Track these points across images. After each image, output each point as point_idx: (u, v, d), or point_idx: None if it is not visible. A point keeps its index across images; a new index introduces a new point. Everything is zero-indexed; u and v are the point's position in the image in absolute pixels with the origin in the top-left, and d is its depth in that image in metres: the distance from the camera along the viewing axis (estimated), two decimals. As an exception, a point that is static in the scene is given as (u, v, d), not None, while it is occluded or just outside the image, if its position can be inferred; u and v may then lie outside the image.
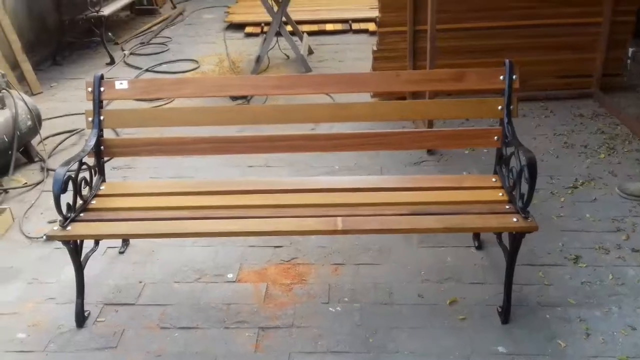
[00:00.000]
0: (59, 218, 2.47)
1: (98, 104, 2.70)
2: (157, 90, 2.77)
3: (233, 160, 3.88)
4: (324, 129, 4.09)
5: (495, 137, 2.65)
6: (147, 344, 2.51)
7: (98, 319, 2.66)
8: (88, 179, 2.66)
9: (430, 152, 3.89)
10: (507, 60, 2.61)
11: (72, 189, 2.50)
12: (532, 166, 2.26)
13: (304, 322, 2.59)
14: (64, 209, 2.45)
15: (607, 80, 4.54)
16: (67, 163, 2.44)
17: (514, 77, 2.59)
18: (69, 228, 2.43)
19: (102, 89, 2.70)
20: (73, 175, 2.48)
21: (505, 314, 2.53)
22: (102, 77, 2.72)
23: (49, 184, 3.79)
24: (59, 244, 3.15)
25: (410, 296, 2.71)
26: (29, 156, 4.07)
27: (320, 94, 2.88)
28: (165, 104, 4.75)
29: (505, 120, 2.60)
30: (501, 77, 2.61)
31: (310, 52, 5.89)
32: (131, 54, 6.24)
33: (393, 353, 2.41)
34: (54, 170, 3.90)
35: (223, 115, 2.85)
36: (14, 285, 2.89)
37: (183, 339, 2.53)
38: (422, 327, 2.53)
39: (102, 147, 2.73)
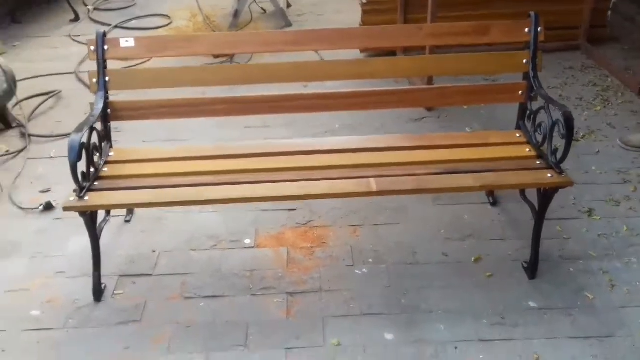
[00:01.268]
0: (74, 188, 2.30)
1: (103, 64, 2.50)
2: (166, 47, 2.58)
3: (229, 122, 3.71)
4: (314, 87, 3.99)
5: (520, 92, 2.62)
6: (173, 315, 2.42)
7: (116, 292, 2.54)
8: (98, 145, 2.49)
9: (429, 109, 3.85)
10: (532, 13, 2.56)
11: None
12: (569, 120, 2.25)
13: (332, 285, 2.55)
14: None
15: (594, 32, 4.57)
16: (80, 129, 2.27)
17: (539, 29, 2.55)
18: (86, 198, 2.27)
19: (106, 47, 2.50)
20: (85, 142, 2.30)
21: (532, 270, 2.56)
22: (104, 34, 2.52)
23: (33, 151, 3.57)
24: (59, 215, 3.00)
25: (435, 255, 2.70)
26: (5, 122, 3.80)
27: (339, 49, 2.74)
28: (138, 64, 4.48)
29: (531, 74, 2.57)
30: (526, 30, 2.57)
31: (288, 5, 5.68)
32: (95, 9, 5.86)
33: (427, 313, 2.41)
34: (36, 136, 3.70)
35: (234, 73, 2.73)
36: (18, 261, 2.72)
37: (210, 308, 2.45)
38: (451, 286, 2.53)
39: (108, 111, 2.55)
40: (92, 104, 2.54)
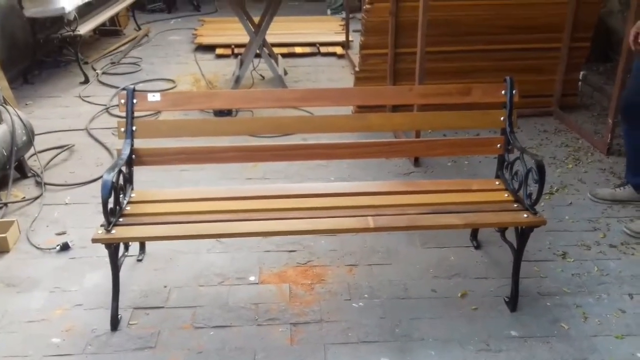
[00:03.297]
0: (102, 222, 2.55)
1: (131, 115, 2.81)
2: (188, 102, 2.92)
3: (230, 173, 4.03)
4: (313, 139, 4.34)
5: (498, 145, 2.96)
6: (185, 343, 2.62)
7: (130, 322, 2.74)
8: (123, 186, 2.76)
9: (416, 164, 4.19)
10: (508, 78, 2.93)
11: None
12: (541, 168, 2.58)
13: (331, 316, 2.78)
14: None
15: (565, 100, 5.02)
16: (111, 170, 2.55)
17: (514, 91, 2.92)
18: (113, 231, 2.53)
19: (135, 100, 2.82)
20: (114, 182, 2.58)
21: (513, 303, 2.81)
22: (134, 89, 2.84)
23: (48, 197, 3.82)
24: (74, 254, 3.22)
25: (424, 291, 2.95)
26: (22, 171, 4.06)
27: (338, 106, 3.09)
28: (148, 115, 4.78)
29: (508, 129, 2.92)
30: (502, 92, 2.94)
31: (285, 73, 6.12)
32: (104, 73, 6.26)
33: (419, 340, 2.64)
34: (51, 184, 3.96)
35: (245, 126, 3.04)
36: (37, 294, 2.92)
37: (219, 336, 2.66)
38: (440, 317, 2.77)
39: (133, 156, 2.84)
40: (119, 150, 2.83)
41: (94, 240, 2.50)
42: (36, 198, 3.80)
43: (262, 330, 2.70)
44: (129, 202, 2.79)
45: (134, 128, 2.82)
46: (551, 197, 3.80)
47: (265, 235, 2.62)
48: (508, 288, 2.87)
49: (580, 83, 5.28)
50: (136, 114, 2.83)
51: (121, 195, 2.71)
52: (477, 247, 3.29)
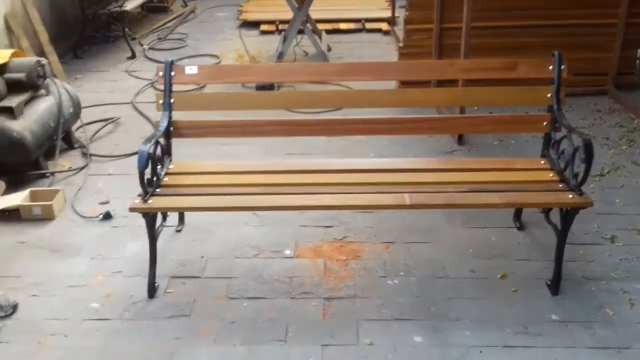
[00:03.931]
0: (139, 193, 2.58)
1: (169, 88, 2.82)
2: (224, 75, 2.91)
3: (270, 148, 4.02)
4: (354, 114, 4.28)
5: (544, 123, 2.84)
6: (219, 312, 2.64)
7: (167, 290, 2.78)
8: (160, 157, 2.78)
9: (460, 142, 4.08)
10: (556, 52, 2.80)
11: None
12: (588, 147, 2.46)
13: (365, 293, 2.75)
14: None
15: (621, 78, 4.78)
16: (148, 141, 2.57)
17: (562, 67, 2.79)
18: (150, 201, 2.55)
19: (172, 73, 2.83)
20: (151, 153, 2.60)
21: (555, 286, 2.71)
22: (172, 62, 2.85)
23: (93, 168, 3.91)
24: (116, 223, 3.29)
25: (463, 271, 2.88)
26: (69, 142, 4.17)
27: (378, 80, 3.01)
28: (194, 89, 4.83)
29: (555, 107, 2.79)
30: (550, 67, 2.80)
31: (329, 49, 6.05)
32: (150, 48, 6.34)
33: (454, 320, 2.58)
34: (96, 155, 4.04)
35: (283, 100, 3.02)
36: (79, 260, 3.00)
37: (253, 307, 2.67)
38: (478, 298, 2.70)
39: (171, 129, 2.86)
40: (157, 122, 2.85)
41: (131, 209, 2.54)
42: (82, 168, 3.90)
43: (295, 303, 2.69)
44: (166, 174, 2.81)
45: (171, 100, 2.83)
46: (601, 179, 3.63)
47: (298, 209, 2.61)
48: (551, 271, 2.76)
49: (638, 61, 5.01)
50: (180, 87, 2.84)
51: (159, 167, 2.73)
52: (520, 228, 3.18)
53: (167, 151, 2.90)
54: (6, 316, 2.63)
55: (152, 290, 2.74)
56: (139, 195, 2.58)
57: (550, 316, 2.59)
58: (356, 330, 2.53)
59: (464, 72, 2.91)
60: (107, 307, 2.68)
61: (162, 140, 2.80)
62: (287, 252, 3.04)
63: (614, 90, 4.74)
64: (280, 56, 5.53)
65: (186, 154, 3.75)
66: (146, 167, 2.51)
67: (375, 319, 2.59)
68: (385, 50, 6.18)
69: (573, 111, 4.55)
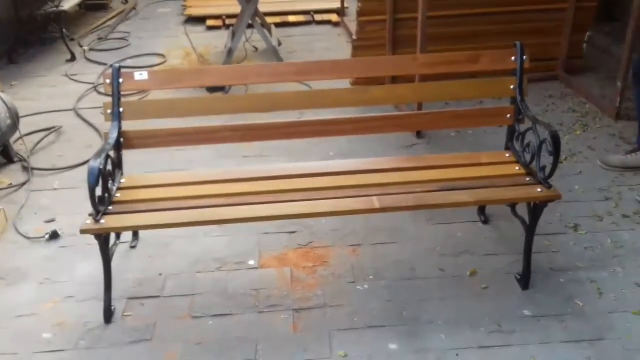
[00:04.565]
0: (90, 212, 2.40)
1: (117, 96, 2.64)
2: (178, 80, 2.74)
3: (226, 151, 3.87)
4: (308, 116, 4.16)
5: (508, 115, 2.80)
6: (182, 334, 2.50)
7: (125, 313, 2.62)
8: (111, 171, 2.60)
9: (419, 135, 4.02)
10: (518, 43, 2.75)
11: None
12: (555, 138, 2.42)
13: (335, 301, 2.65)
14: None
15: (571, 63, 4.83)
16: (97, 156, 2.38)
17: (524, 57, 2.74)
18: (102, 221, 2.38)
19: (120, 80, 2.64)
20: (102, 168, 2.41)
21: (525, 281, 2.69)
22: (119, 68, 2.66)
23: (35, 183, 3.66)
24: (63, 243, 3.09)
25: (432, 270, 2.82)
26: (7, 156, 3.89)
27: (336, 79, 2.92)
28: (142, 97, 4.63)
29: (519, 98, 2.75)
30: (512, 58, 2.76)
31: (279, 43, 5.90)
32: (90, 49, 6.04)
33: (428, 323, 2.52)
34: (38, 169, 3.80)
35: (240, 103, 2.88)
36: (26, 286, 2.79)
37: (218, 326, 2.53)
38: (449, 298, 2.65)
39: (121, 140, 2.68)
40: (105, 133, 2.66)
41: (82, 231, 2.36)
42: (23, 184, 3.64)
43: (263, 317, 2.57)
44: (118, 189, 2.63)
45: (120, 109, 2.65)
46: (560, 166, 3.59)
47: (263, 220, 2.47)
48: (519, 264, 2.74)
49: (585, 45, 5.07)
50: (124, 93, 2.66)
51: (110, 182, 2.56)
52: (485, 221, 3.15)
53: (118, 164, 2.72)
54: None
55: (108, 315, 2.56)
56: (90, 215, 2.40)
57: (522, 311, 2.56)
58: (329, 342, 2.43)
59: (427, 67, 2.83)
60: (60, 337, 2.50)
61: (112, 153, 2.62)
62: (251, 262, 2.91)
63: (564, 75, 4.78)
64: (229, 53, 5.34)
65: (137, 161, 3.57)
66: (97, 184, 2.33)
67: (348, 328, 2.50)
68: (336, 42, 6.08)
69: (527, 98, 4.55)
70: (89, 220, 2.37)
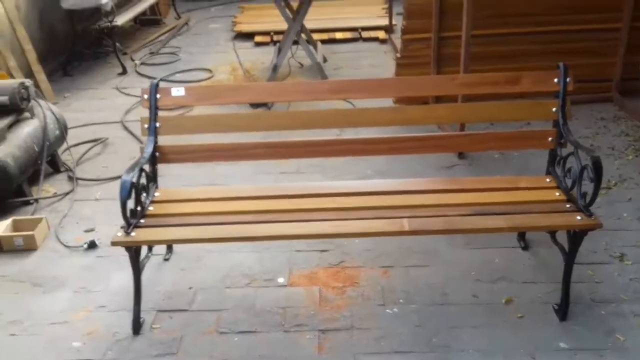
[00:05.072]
0: (122, 224, 2.44)
1: (155, 111, 2.69)
2: (215, 96, 2.78)
3: (264, 167, 3.88)
4: (350, 133, 4.14)
5: (550, 139, 2.69)
6: (208, 349, 2.49)
7: (153, 326, 2.63)
8: (145, 185, 2.64)
9: (461, 156, 3.93)
10: (561, 64, 2.65)
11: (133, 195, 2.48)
12: (597, 165, 2.31)
13: (363, 323, 2.59)
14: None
15: (626, 85, 4.63)
16: (131, 170, 2.42)
17: (567, 79, 2.64)
18: (133, 234, 2.41)
19: (158, 95, 2.69)
20: (135, 182, 2.45)
21: (563, 311, 2.56)
22: (157, 84, 2.71)
23: (79, 193, 3.77)
24: (101, 253, 3.15)
25: (465, 296, 2.73)
26: (55, 166, 4.03)
27: (376, 98, 2.88)
28: (185, 112, 4.73)
29: (561, 121, 2.64)
30: (555, 80, 2.66)
31: (325, 60, 5.92)
32: (142, 63, 6.21)
33: (459, 352, 2.42)
34: (83, 179, 3.90)
35: (275, 120, 2.90)
36: (62, 294, 2.86)
37: (244, 343, 2.52)
38: (482, 326, 2.55)
39: (157, 154, 2.72)
40: (142, 147, 2.71)
41: (113, 243, 2.40)
42: (67, 194, 3.76)
43: (289, 337, 2.54)
44: (152, 202, 2.67)
45: (157, 125, 2.69)
46: (608, 192, 3.48)
47: (291, 238, 2.47)
48: (558, 294, 2.61)
49: (642, 66, 4.86)
50: (165, 108, 2.71)
51: (143, 195, 2.59)
52: (525, 247, 3.03)
53: (152, 178, 2.76)
54: None
55: (137, 327, 2.59)
56: (122, 227, 2.44)
57: (559, 344, 2.44)
58: (353, 365, 2.38)
59: (466, 87, 2.76)
60: (89, 347, 2.54)
61: (147, 167, 2.67)
62: (281, 280, 2.89)
63: (618, 97, 4.59)
64: (274, 69, 5.39)
65: (176, 175, 3.65)
66: (128, 197, 2.37)
67: (374, 352, 2.44)
68: (382, 59, 6.05)
69: (577, 120, 4.39)
70: (120, 233, 2.41)
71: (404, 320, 2.60)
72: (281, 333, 2.56)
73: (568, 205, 2.50)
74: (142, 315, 2.66)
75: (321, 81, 4.74)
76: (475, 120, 3.55)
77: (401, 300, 2.72)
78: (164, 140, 2.79)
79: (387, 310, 2.66)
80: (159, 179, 3.73)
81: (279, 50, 5.58)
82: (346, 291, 2.79)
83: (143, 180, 2.60)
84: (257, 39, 6.80)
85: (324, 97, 2.80)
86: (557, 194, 2.59)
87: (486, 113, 2.85)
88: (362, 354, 2.43)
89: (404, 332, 2.54)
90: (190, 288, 2.86)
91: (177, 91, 2.69)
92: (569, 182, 2.57)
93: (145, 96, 2.69)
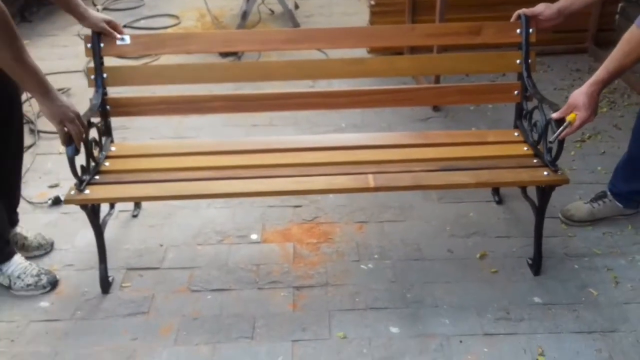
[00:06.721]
0: (75, 181, 2.33)
1: (99, 61, 2.54)
2: (161, 45, 2.61)
3: (235, 120, 3.77)
4: (322, 85, 4.03)
5: (515, 92, 2.64)
6: (180, 308, 2.44)
7: (123, 284, 2.57)
8: (97, 140, 2.53)
9: (436, 108, 3.87)
10: (522, 14, 2.57)
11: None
12: (560, 121, 2.26)
13: (337, 280, 2.57)
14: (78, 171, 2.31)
15: (601, 35, 4.58)
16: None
17: (530, 30, 2.56)
18: (86, 191, 2.30)
19: (101, 44, 2.53)
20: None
21: (536, 266, 2.57)
22: (100, 33, 2.54)
23: (42, 146, 3.61)
24: (66, 209, 3.03)
25: (440, 251, 2.72)
26: (15, 118, 3.83)
27: (331, 48, 2.79)
28: (151, 61, 4.55)
29: (525, 74, 2.58)
30: (517, 31, 2.58)
31: (296, 6, 5.72)
32: (104, 9, 5.92)
33: (432, 307, 2.42)
34: (45, 132, 3.73)
35: (231, 72, 2.76)
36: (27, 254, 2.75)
37: (217, 301, 2.47)
38: (456, 281, 2.55)
39: (107, 107, 2.59)
40: (90, 99, 2.58)
41: (66, 202, 2.29)
42: (29, 147, 3.59)
43: (262, 294, 2.50)
44: (107, 157, 2.55)
45: (104, 75, 2.55)
46: (582, 145, 3.47)
47: (251, 195, 2.39)
48: (532, 248, 2.61)
49: (617, 16, 4.81)
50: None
51: (96, 150, 2.47)
52: (499, 202, 3.02)
53: (106, 132, 2.63)
54: (46, 254, 2.70)
55: (105, 286, 2.52)
56: (74, 185, 2.33)
57: (533, 299, 2.45)
58: (328, 322, 2.36)
59: (426, 38, 2.65)
60: (57, 306, 2.46)
61: (97, 121, 2.54)
62: (254, 236, 2.83)
63: (593, 49, 4.55)
64: (244, 16, 5.18)
65: (142, 127, 3.52)
66: (77, 152, 2.25)
67: (349, 309, 2.42)
68: (356, 6, 5.86)
69: (552, 71, 4.37)
70: (73, 191, 2.30)
71: (378, 276, 2.59)
72: (255, 290, 2.52)
73: (535, 160, 2.47)
74: (111, 273, 2.59)
75: (275, 30, 4.61)
76: (435, 72, 3.49)
77: (376, 256, 2.70)
78: (129, 91, 2.66)
79: (362, 266, 2.64)
80: (125, 132, 3.65)
81: (249, -4, 5.35)
82: (320, 247, 2.75)
83: (95, 135, 2.48)
84: (226, -17, 6.51)
85: (278, 47, 2.62)
86: (525, 148, 2.56)
87: (448, 65, 2.77)
88: (336, 311, 2.41)
89: (379, 288, 2.52)
90: (160, 245, 2.78)
91: (122, 40, 2.54)
92: (535, 136, 2.53)
93: (88, 45, 2.53)
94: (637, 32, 2.05)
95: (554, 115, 2.28)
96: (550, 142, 2.29)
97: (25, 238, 2.72)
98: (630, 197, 2.80)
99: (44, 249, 2.74)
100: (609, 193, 2.84)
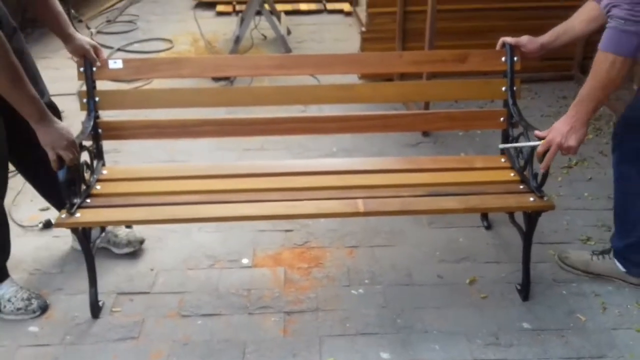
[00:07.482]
0: (66, 205, 2.34)
1: (91, 85, 2.57)
2: (153, 69, 2.65)
3: (227, 144, 3.79)
4: (313, 110, 4.07)
5: (501, 119, 2.69)
6: (170, 333, 2.44)
7: (113, 309, 2.56)
8: (89, 163, 2.54)
9: (425, 134, 3.92)
10: (507, 43, 2.63)
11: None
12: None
13: (328, 305, 2.58)
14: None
15: (587, 63, 4.67)
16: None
17: (515, 58, 2.62)
18: (77, 215, 2.31)
19: (94, 68, 2.56)
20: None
21: (525, 292, 2.59)
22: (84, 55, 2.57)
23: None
24: (57, 232, 3.03)
25: (430, 276, 2.74)
26: (7, 140, 3.84)
27: (320, 74, 2.85)
28: (143, 85, 4.59)
29: (510, 101, 2.64)
30: (502, 59, 2.64)
31: (288, 32, 5.79)
32: (98, 32, 5.97)
33: (422, 332, 2.44)
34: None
35: (223, 97, 2.80)
36: (17, 277, 2.71)
37: (207, 326, 2.47)
38: (446, 307, 2.56)
39: (99, 130, 2.61)
40: (83, 123, 2.60)
41: (57, 225, 2.29)
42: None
43: (253, 319, 2.50)
44: (98, 180, 2.57)
45: (96, 99, 2.58)
46: (569, 172, 3.53)
47: (241, 219, 2.39)
48: (521, 274, 2.64)
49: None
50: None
51: (87, 173, 2.49)
52: (488, 227, 3.06)
53: (97, 155, 2.65)
54: (135, 251, 2.82)
55: (95, 310, 2.51)
56: (65, 208, 2.33)
57: (522, 324, 2.47)
58: (319, 348, 2.36)
59: (413, 65, 2.71)
60: (46, 331, 2.45)
61: (89, 144, 2.56)
62: (245, 261, 2.84)
63: (580, 76, 4.64)
64: (237, 41, 5.25)
65: (133, 151, 3.54)
66: (67, 176, 2.26)
67: (339, 334, 2.43)
68: (347, 33, 5.96)
69: (539, 98, 4.45)
70: (64, 214, 2.31)
71: (369, 301, 2.60)
72: (245, 316, 2.52)
73: (521, 187, 2.51)
74: (102, 298, 2.58)
75: (266, 56, 4.64)
76: (422, 98, 3.57)
77: (366, 281, 2.71)
78: (122, 115, 2.68)
79: (353, 292, 2.65)
80: (116, 155, 3.67)
81: (242, 21, 5.43)
82: (311, 272, 2.77)
83: (87, 158, 2.50)
84: (219, 8, 6.61)
85: (268, 72, 2.65)
86: (512, 174, 2.60)
87: (436, 91, 2.84)
88: (327, 336, 2.42)
89: (370, 313, 2.53)
90: (151, 269, 2.78)
91: (115, 63, 2.57)
92: (522, 162, 2.57)
93: (81, 69, 2.56)
94: (599, 54, 2.12)
95: (537, 132, 2.34)
96: (501, 149, 2.33)
97: (116, 235, 2.83)
98: (629, 256, 2.60)
99: (133, 246, 2.84)
100: (612, 250, 2.67)
